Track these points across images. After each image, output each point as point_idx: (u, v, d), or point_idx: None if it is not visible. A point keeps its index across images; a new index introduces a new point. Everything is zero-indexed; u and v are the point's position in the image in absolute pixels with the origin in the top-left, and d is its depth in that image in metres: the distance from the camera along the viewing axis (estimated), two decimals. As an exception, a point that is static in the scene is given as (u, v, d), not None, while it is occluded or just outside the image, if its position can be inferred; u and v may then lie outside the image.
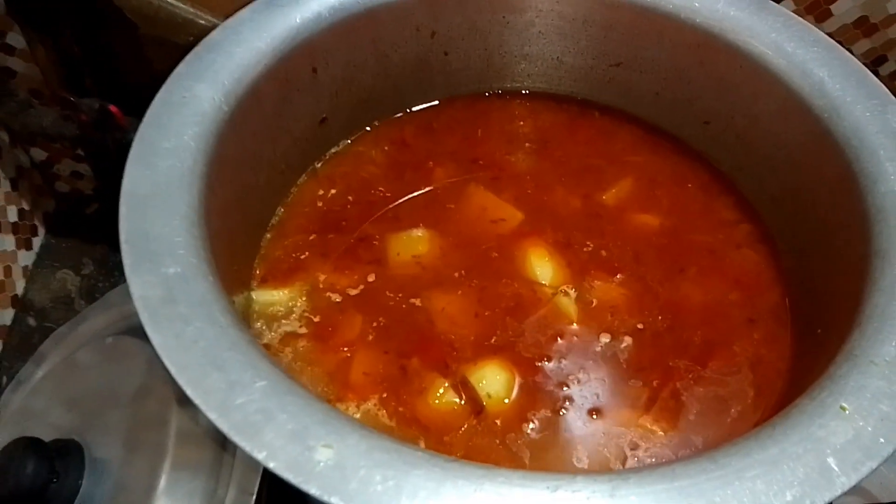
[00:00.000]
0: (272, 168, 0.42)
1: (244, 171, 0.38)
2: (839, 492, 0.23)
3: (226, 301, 0.28)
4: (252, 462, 0.44)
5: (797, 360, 0.36)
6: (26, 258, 0.74)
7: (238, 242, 0.39)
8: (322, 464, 0.24)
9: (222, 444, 0.47)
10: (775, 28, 0.39)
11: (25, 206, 0.74)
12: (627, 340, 0.37)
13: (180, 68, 0.36)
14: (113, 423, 0.50)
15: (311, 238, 0.42)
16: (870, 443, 0.24)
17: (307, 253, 0.42)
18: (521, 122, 0.48)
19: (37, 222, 0.76)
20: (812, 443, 0.24)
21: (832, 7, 0.63)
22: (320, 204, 0.44)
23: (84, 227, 0.77)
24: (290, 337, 0.38)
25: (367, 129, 0.48)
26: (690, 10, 0.41)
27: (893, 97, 0.36)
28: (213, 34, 0.38)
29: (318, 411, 0.25)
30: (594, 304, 0.39)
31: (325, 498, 0.23)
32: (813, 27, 0.39)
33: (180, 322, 0.27)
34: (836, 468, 0.23)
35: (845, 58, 0.37)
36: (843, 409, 0.25)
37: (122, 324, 0.60)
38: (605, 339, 0.38)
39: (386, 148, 0.47)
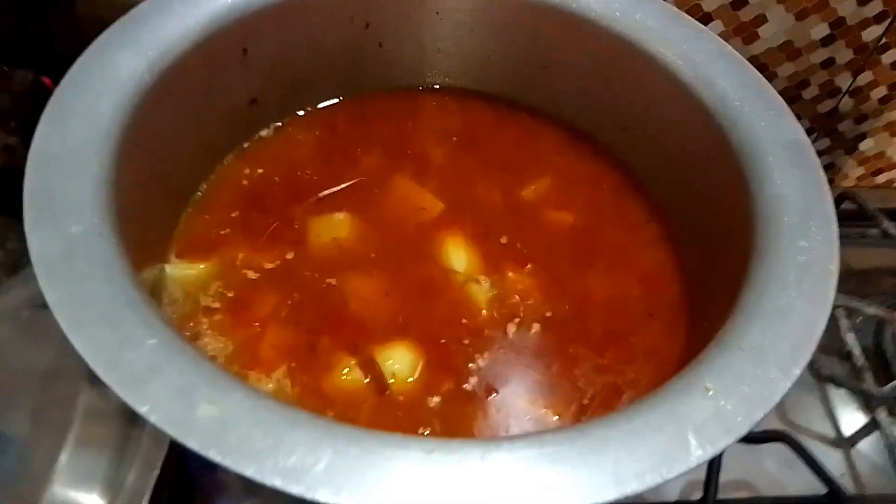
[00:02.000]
0: (197, 144, 0.42)
1: (166, 143, 0.39)
2: (695, 463, 0.25)
3: (126, 262, 0.29)
4: (158, 440, 0.44)
5: (689, 353, 0.38)
6: (-51, 229, 0.71)
7: (155, 214, 0.39)
8: (204, 419, 0.24)
9: (130, 422, 0.47)
10: (687, 40, 0.41)
11: (-49, 177, 0.72)
12: (535, 328, 0.39)
13: (104, 36, 0.36)
14: (21, 397, 0.49)
15: (233, 215, 0.43)
16: (729, 420, 0.26)
17: (228, 229, 0.42)
18: (451, 118, 0.50)
19: (-37, 194, 0.74)
20: (674, 418, 0.26)
21: (759, 30, 0.66)
22: (245, 182, 0.44)
23: (12, 202, 0.75)
24: (203, 310, 0.39)
25: (299, 113, 0.49)
26: (611, 19, 0.43)
27: (789, 108, 0.38)
28: (141, 6, 0.38)
29: (205, 370, 0.26)
30: (504, 294, 0.40)
31: (203, 451, 0.23)
32: (721, 40, 0.41)
33: (77, 280, 0.27)
34: (693, 441, 0.25)
35: (748, 71, 0.40)
36: (707, 389, 0.27)
37: (41, 298, 0.59)
38: (511, 326, 0.39)
39: (316, 133, 0.48)
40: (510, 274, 0.41)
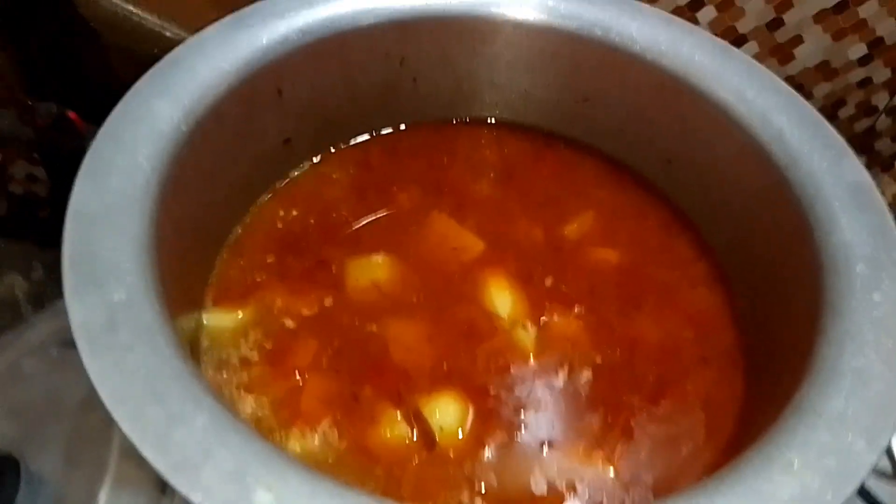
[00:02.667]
0: (231, 187, 0.41)
1: (202, 190, 0.38)
2: (783, 547, 0.23)
3: (172, 330, 0.28)
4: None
5: (748, 402, 0.36)
6: (-27, 262, 0.71)
7: (191, 261, 0.38)
8: (262, 506, 0.23)
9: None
10: (738, 74, 0.39)
11: (-25, 209, 0.71)
12: (586, 375, 0.37)
13: (140, 84, 0.35)
14: (53, 436, 0.48)
15: (268, 260, 0.42)
16: (816, 498, 0.24)
17: (264, 275, 0.41)
18: (487, 151, 0.48)
19: (-14, 225, 0.74)
20: (759, 496, 0.24)
21: (795, 51, 0.64)
22: (280, 225, 0.43)
23: (36, 231, 0.75)
24: (241, 363, 0.37)
25: (332, 150, 0.47)
26: (656, 53, 0.41)
27: (849, 148, 0.36)
28: (177, 50, 0.37)
29: (259, 450, 0.24)
30: (552, 339, 0.39)
31: (263, 543, 0.22)
32: (774, 76, 0.39)
33: (121, 351, 0.26)
34: (780, 523, 0.24)
35: (804, 107, 0.38)
36: (791, 463, 0.25)
37: (71, 335, 0.58)
38: (562, 373, 0.38)
39: (350, 171, 0.47)
40: (556, 318, 0.40)
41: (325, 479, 0.24)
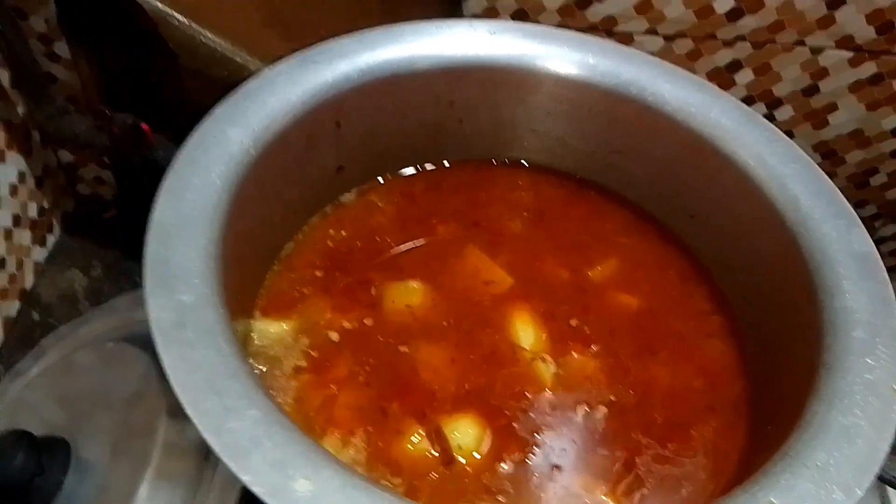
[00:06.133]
0: (288, 207, 0.45)
1: (262, 207, 0.42)
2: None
3: (231, 332, 0.31)
4: (230, 481, 0.47)
5: (750, 450, 0.39)
6: (39, 254, 0.77)
7: (247, 272, 0.42)
8: (299, 493, 0.26)
9: (204, 459, 0.49)
10: (760, 142, 0.42)
11: (46, 205, 0.77)
12: (601, 411, 0.40)
13: (217, 111, 0.40)
14: (102, 425, 0.52)
15: (316, 274, 0.45)
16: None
17: (310, 288, 0.45)
18: (523, 193, 0.52)
19: (54, 220, 0.79)
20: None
21: (829, 117, 0.67)
22: (330, 244, 0.47)
23: (98, 231, 0.80)
24: (284, 369, 0.41)
25: (380, 180, 0.51)
26: (686, 114, 0.44)
27: (859, 219, 0.39)
28: (250, 83, 0.42)
29: (300, 444, 0.28)
30: (570, 374, 0.42)
31: (299, 525, 0.25)
32: (794, 145, 0.42)
33: (187, 347, 0.30)
34: (757, 559, 0.26)
35: (820, 177, 0.41)
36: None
37: (124, 331, 0.63)
38: (578, 407, 0.40)
39: (395, 200, 0.50)
40: (575, 355, 0.43)
41: (355, 474, 0.27)
